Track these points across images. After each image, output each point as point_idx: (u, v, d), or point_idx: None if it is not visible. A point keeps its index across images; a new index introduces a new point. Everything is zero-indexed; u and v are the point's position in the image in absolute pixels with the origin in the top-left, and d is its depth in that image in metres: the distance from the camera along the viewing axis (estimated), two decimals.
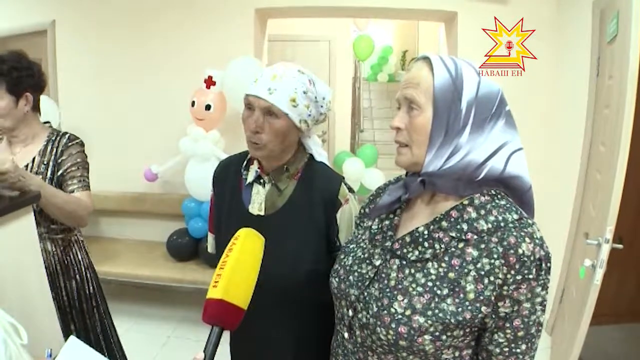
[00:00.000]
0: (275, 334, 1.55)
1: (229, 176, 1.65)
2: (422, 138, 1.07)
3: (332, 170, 1.63)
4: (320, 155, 1.63)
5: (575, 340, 2.55)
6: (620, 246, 2.40)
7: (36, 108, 2.13)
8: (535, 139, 3.83)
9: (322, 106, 1.54)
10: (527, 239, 0.99)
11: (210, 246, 1.81)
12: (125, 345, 2.45)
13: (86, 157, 2.16)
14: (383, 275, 1.13)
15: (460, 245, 1.05)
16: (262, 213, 1.54)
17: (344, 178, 1.59)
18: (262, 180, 1.56)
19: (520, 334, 1.02)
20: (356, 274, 1.19)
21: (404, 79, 1.13)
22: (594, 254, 2.41)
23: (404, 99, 1.11)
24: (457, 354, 1.07)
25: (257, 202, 1.56)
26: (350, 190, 1.56)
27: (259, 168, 1.57)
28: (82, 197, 2.07)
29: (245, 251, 1.09)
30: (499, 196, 1.08)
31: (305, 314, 1.53)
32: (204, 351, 0.99)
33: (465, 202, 1.08)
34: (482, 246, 1.02)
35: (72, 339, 1.49)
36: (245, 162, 1.63)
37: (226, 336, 1.32)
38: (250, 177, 1.58)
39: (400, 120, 1.11)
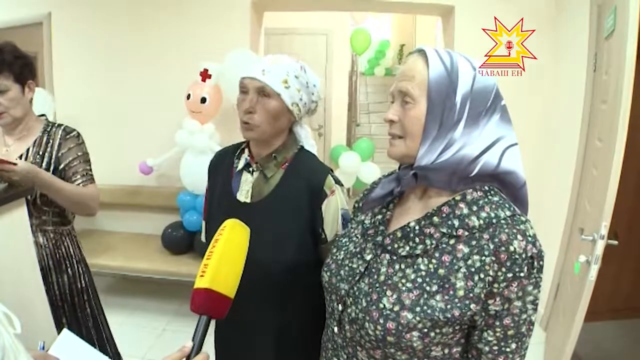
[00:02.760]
0: (259, 320, 1.57)
1: (223, 165, 1.68)
2: (415, 130, 1.06)
3: (320, 162, 1.65)
4: (310, 146, 1.66)
5: (570, 335, 2.55)
6: (616, 242, 2.40)
7: (30, 99, 2.13)
8: (532, 134, 3.83)
9: (312, 93, 1.60)
10: (519, 236, 0.98)
11: (204, 235, 1.82)
12: (119, 337, 2.45)
13: (85, 148, 2.17)
14: (373, 270, 1.12)
15: (451, 241, 1.04)
16: (249, 200, 1.57)
17: (332, 170, 1.61)
18: (250, 169, 1.59)
19: (511, 332, 1.01)
20: (347, 268, 1.19)
21: (399, 72, 1.13)
22: (589, 249, 2.41)
23: (398, 92, 1.10)
24: (446, 351, 1.06)
25: (245, 189, 1.59)
26: (338, 182, 1.58)
27: (249, 156, 1.60)
28: (88, 189, 2.10)
29: (232, 241, 1.09)
30: (492, 192, 1.07)
31: (289, 302, 1.55)
32: (192, 340, 0.99)
33: (458, 197, 1.07)
34: (473, 243, 1.01)
35: (65, 331, 1.49)
36: (238, 152, 1.67)
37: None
38: (240, 165, 1.61)
39: (395, 113, 1.10)
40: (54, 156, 2.07)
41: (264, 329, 1.57)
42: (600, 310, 3.27)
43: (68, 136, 2.12)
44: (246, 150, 1.62)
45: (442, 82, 1.04)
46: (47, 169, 2.04)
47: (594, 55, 3.15)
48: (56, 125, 2.15)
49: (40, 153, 2.06)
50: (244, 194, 1.58)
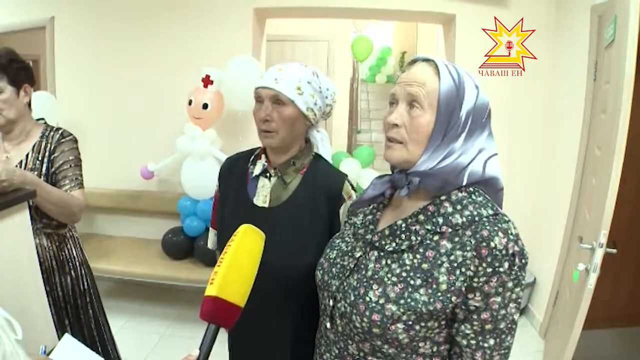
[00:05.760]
0: (276, 325, 1.57)
1: (235, 171, 1.69)
2: (420, 138, 1.09)
3: (337, 169, 1.67)
4: (327, 150, 1.69)
5: (569, 344, 2.56)
6: (614, 251, 2.41)
7: (29, 104, 2.14)
8: (532, 142, 3.83)
9: (326, 97, 1.64)
10: (500, 234, 1.01)
11: (211, 242, 1.82)
12: (119, 342, 2.45)
13: (79, 153, 2.16)
14: (362, 266, 1.17)
15: (436, 237, 1.07)
16: (267, 205, 1.57)
17: (347, 176, 1.63)
18: (268, 174, 1.60)
19: (488, 327, 1.03)
20: (338, 265, 1.23)
21: (405, 76, 1.14)
22: (588, 258, 2.42)
23: (406, 94, 1.11)
24: (434, 348, 1.10)
25: (263, 194, 1.59)
26: (354, 188, 1.60)
27: (266, 162, 1.61)
28: (76, 195, 2.08)
29: (243, 248, 1.09)
30: (476, 193, 1.11)
31: (306, 307, 1.53)
32: (199, 348, 0.98)
33: (443, 197, 1.11)
34: (457, 239, 1.05)
35: (67, 336, 1.50)
36: (252, 158, 1.68)
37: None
38: (257, 171, 1.62)
39: (399, 117, 1.11)
40: (48, 158, 2.08)
41: (282, 334, 1.57)
42: (599, 318, 3.27)
43: (63, 139, 2.12)
44: (263, 157, 1.63)
45: (451, 96, 1.08)
46: (47, 174, 2.05)
47: (594, 64, 3.17)
48: (54, 129, 2.15)
49: (40, 158, 2.06)
50: (261, 199, 1.58)
